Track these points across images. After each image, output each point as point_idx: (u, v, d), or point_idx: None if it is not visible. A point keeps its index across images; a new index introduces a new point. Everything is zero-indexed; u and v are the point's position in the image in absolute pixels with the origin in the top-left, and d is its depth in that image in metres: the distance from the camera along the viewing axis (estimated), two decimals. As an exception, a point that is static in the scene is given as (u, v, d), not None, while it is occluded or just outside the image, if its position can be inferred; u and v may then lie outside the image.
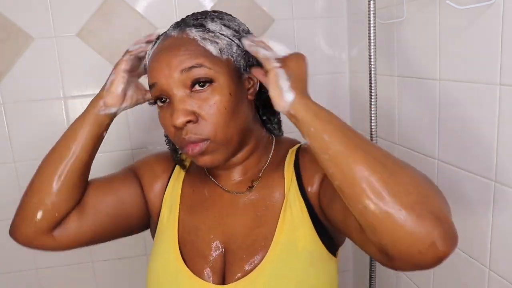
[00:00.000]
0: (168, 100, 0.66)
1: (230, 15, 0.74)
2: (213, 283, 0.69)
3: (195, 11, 0.75)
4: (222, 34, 0.66)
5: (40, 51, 1.20)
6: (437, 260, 0.48)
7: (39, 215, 0.73)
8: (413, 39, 0.99)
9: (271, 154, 0.76)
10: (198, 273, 0.70)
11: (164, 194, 0.79)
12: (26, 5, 1.17)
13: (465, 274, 0.89)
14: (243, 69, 0.69)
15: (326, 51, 1.36)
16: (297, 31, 1.32)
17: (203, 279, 0.69)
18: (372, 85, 1.06)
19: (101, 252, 1.35)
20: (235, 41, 0.67)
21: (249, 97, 0.70)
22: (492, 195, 0.79)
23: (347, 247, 1.52)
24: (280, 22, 1.31)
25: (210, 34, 0.65)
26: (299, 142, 0.79)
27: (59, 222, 0.75)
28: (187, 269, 0.70)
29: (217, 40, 0.65)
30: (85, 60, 1.23)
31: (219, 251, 0.71)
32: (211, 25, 0.66)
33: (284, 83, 0.57)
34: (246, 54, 0.68)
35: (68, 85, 1.24)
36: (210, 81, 0.63)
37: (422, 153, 1.00)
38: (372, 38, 1.02)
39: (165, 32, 0.72)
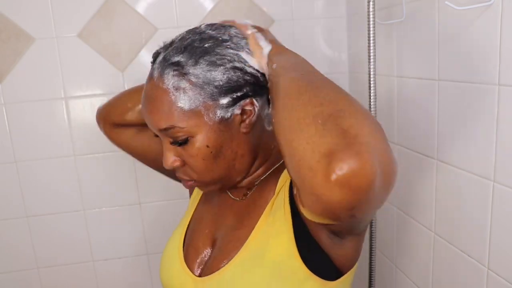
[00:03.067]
0: None
1: (225, 36, 0.64)
2: (194, 273, 0.72)
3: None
4: (197, 81, 0.59)
5: (41, 52, 1.21)
6: (334, 183, 0.40)
7: (116, 112, 0.88)
8: (412, 40, 1.00)
9: (280, 162, 0.73)
10: (188, 260, 0.74)
11: None
12: (27, 6, 1.18)
13: (464, 273, 0.89)
14: (230, 106, 0.62)
15: (326, 51, 1.36)
16: (297, 32, 1.32)
17: (189, 268, 0.72)
18: (372, 85, 1.06)
19: (102, 252, 1.36)
20: (221, 81, 0.60)
21: (243, 130, 0.65)
22: (491, 195, 0.79)
23: (347, 247, 1.52)
24: (280, 23, 1.31)
25: (185, 83, 0.59)
26: None
27: (123, 125, 0.87)
28: (182, 256, 0.75)
29: (191, 91, 0.59)
30: (85, 61, 1.24)
31: (208, 246, 0.74)
32: (194, 69, 0.59)
33: (263, 42, 0.63)
34: (235, 87, 0.62)
35: (69, 85, 1.24)
36: (186, 139, 0.61)
37: (422, 153, 1.01)
38: (372, 38, 1.02)
39: (153, 61, 0.66)
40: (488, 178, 0.79)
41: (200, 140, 0.61)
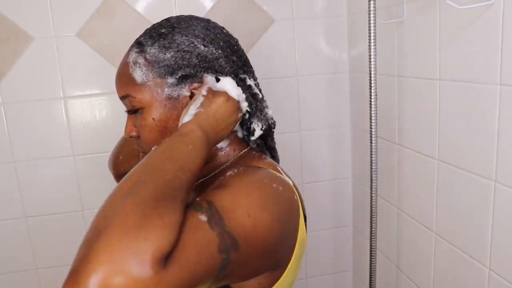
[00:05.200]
0: None
1: (190, 25, 0.68)
2: None
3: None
4: (151, 59, 0.65)
5: (40, 51, 1.20)
6: None
7: (113, 165, 0.97)
8: (413, 39, 0.99)
9: (219, 169, 0.71)
10: None
11: None
12: (26, 5, 1.17)
13: (465, 274, 0.89)
14: (175, 85, 0.66)
15: (327, 51, 1.36)
16: (297, 31, 1.32)
17: None
18: (372, 85, 1.06)
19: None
20: (169, 62, 0.65)
21: None
22: (492, 195, 0.79)
23: (347, 246, 1.52)
24: (280, 22, 1.31)
25: (141, 59, 0.66)
26: (262, 166, 0.68)
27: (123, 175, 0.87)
28: None
29: (144, 66, 0.66)
30: (85, 60, 1.23)
31: None
32: (150, 48, 0.66)
33: (192, 109, 0.62)
34: (181, 68, 0.66)
35: (68, 85, 1.24)
36: (137, 109, 0.67)
37: (422, 153, 1.00)
38: (372, 38, 1.02)
39: None
40: (489, 178, 0.79)
41: (148, 112, 0.66)
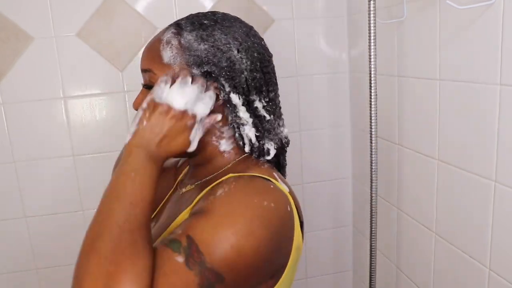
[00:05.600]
0: None
1: (233, 25, 0.68)
2: None
3: (195, 12, 0.74)
4: (185, 45, 0.65)
5: (40, 51, 1.20)
6: None
7: None
8: (413, 39, 0.99)
9: (219, 172, 0.70)
10: None
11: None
12: (26, 5, 1.17)
13: (465, 274, 0.89)
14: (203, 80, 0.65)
15: (327, 51, 1.36)
16: (297, 31, 1.32)
17: None
18: (372, 85, 1.05)
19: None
20: (200, 53, 0.64)
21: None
22: (492, 195, 0.79)
23: (347, 246, 1.52)
24: (280, 22, 1.31)
25: (175, 41, 0.65)
26: (257, 175, 0.67)
27: None
28: None
29: (176, 49, 0.65)
30: (85, 60, 1.23)
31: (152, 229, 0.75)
32: (187, 34, 0.65)
33: (132, 126, 0.61)
34: (209, 64, 0.65)
35: (68, 85, 1.24)
36: (153, 85, 0.65)
37: (422, 153, 1.00)
38: (372, 38, 1.02)
39: None
40: (489, 178, 0.79)
41: None
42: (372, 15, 1.00)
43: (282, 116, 0.73)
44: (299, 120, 1.38)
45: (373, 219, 1.14)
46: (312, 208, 1.44)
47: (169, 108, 0.60)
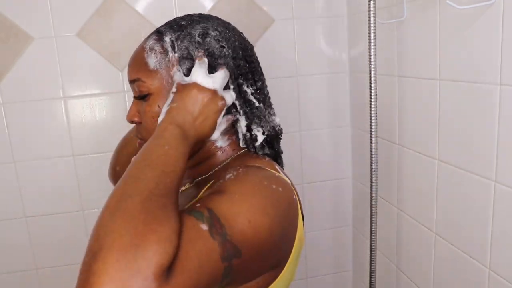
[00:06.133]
0: None
1: (210, 21, 0.69)
2: None
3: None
4: (167, 48, 0.66)
5: (40, 51, 1.20)
6: None
7: (112, 175, 0.98)
8: (413, 39, 0.99)
9: (217, 168, 0.71)
10: None
11: None
12: (26, 5, 1.17)
13: (465, 274, 0.89)
14: (186, 76, 0.66)
15: (327, 51, 1.36)
16: (297, 31, 1.32)
17: None
18: (372, 85, 1.05)
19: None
20: (182, 52, 0.66)
21: None
22: (492, 195, 0.79)
23: (347, 246, 1.52)
24: (280, 22, 1.31)
25: (158, 46, 0.67)
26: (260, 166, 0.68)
27: None
28: None
29: (159, 54, 0.66)
30: (85, 60, 1.23)
31: None
32: (167, 38, 0.67)
33: (165, 108, 0.62)
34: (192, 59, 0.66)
35: (68, 85, 1.24)
36: (145, 94, 0.67)
37: (422, 153, 1.00)
38: (372, 38, 1.02)
39: None
40: (489, 178, 0.79)
41: (155, 99, 0.66)
42: (372, 15, 1.00)
43: (273, 106, 0.73)
44: (299, 120, 1.38)
45: (373, 219, 1.14)
46: (312, 208, 1.44)
47: (201, 87, 0.62)
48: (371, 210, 1.14)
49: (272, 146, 0.74)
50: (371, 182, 1.12)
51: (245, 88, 0.68)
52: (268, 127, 0.71)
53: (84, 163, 1.29)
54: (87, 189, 1.31)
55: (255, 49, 0.73)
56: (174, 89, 0.63)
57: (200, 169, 0.71)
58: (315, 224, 1.46)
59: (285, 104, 1.36)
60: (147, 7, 1.23)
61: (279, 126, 0.73)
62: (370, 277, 1.19)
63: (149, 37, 0.69)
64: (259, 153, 0.71)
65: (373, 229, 1.15)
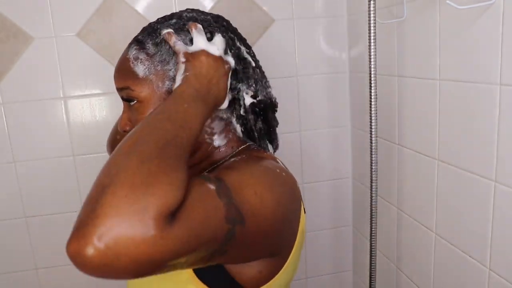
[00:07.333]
0: None
1: (193, 16, 0.71)
2: None
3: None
4: (152, 51, 0.67)
5: (40, 51, 1.20)
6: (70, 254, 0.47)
7: (111, 148, 0.99)
8: (413, 39, 0.99)
9: (222, 161, 0.70)
10: None
11: None
12: (26, 5, 1.17)
13: (465, 274, 0.89)
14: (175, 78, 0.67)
15: (326, 51, 1.36)
16: (297, 31, 1.32)
17: None
18: (372, 85, 1.05)
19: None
20: (169, 58, 0.66)
21: None
22: (493, 196, 0.79)
23: (347, 246, 1.52)
24: (280, 22, 1.31)
25: (142, 54, 0.67)
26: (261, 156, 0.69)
27: None
28: None
29: (146, 61, 0.66)
30: (84, 60, 1.23)
31: None
32: (150, 45, 0.67)
33: (179, 76, 0.62)
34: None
35: (68, 85, 1.24)
36: (136, 100, 0.67)
37: (422, 153, 1.00)
38: (372, 38, 1.02)
39: None
40: (489, 178, 0.79)
41: (146, 106, 0.66)
42: (372, 15, 1.00)
43: (267, 78, 0.74)
44: (299, 120, 1.38)
45: (373, 219, 1.14)
46: (312, 208, 1.44)
47: (208, 53, 0.64)
48: (371, 210, 1.14)
49: (266, 117, 0.73)
50: (371, 182, 1.12)
51: (237, 44, 0.70)
52: (265, 92, 0.71)
53: (84, 163, 1.29)
54: (87, 189, 1.30)
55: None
56: (182, 59, 0.63)
57: (200, 168, 0.72)
58: (315, 224, 1.46)
59: (285, 104, 1.36)
60: (147, 7, 1.23)
61: (275, 99, 0.74)
62: (370, 277, 1.19)
63: (129, 47, 0.69)
64: (254, 124, 0.72)
65: (373, 229, 1.15)
